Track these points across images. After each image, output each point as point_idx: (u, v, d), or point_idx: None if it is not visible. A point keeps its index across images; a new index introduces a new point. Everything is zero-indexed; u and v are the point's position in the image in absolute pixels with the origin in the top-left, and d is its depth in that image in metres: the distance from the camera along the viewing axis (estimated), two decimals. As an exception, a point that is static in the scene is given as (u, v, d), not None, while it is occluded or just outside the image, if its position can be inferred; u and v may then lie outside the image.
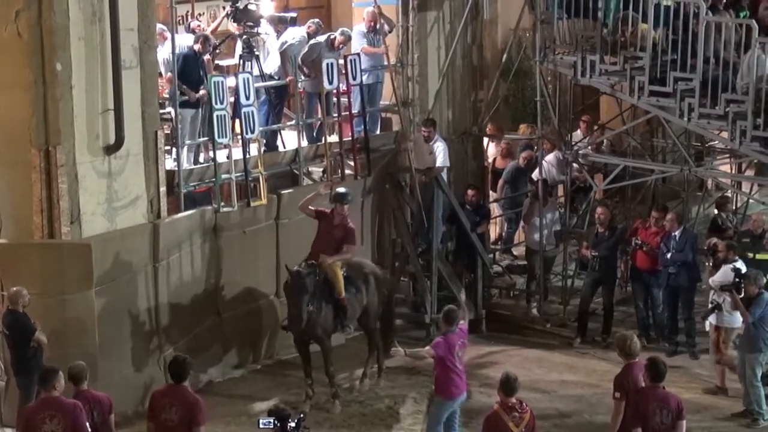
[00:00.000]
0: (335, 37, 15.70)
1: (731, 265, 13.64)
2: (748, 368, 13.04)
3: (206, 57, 14.51)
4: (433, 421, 11.73)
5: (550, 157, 17.15)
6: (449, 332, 11.50)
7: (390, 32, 16.53)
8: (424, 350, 11.81)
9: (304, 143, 15.45)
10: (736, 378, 13.48)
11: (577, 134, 17.80)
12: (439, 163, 15.87)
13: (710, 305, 13.99)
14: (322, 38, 15.69)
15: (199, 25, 15.42)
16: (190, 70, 14.17)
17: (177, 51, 13.88)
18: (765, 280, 13.45)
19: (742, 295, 13.10)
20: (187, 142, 14.14)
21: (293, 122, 15.52)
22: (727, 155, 18.07)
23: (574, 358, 15.22)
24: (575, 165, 16.75)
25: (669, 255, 15.05)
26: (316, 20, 15.89)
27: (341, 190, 13.80)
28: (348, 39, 15.95)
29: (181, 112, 13.94)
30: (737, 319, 13.62)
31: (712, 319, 14.02)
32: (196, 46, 14.31)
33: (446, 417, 11.72)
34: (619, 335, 10.89)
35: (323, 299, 13.27)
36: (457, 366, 11.49)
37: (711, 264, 14.22)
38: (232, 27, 15.20)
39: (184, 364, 10.15)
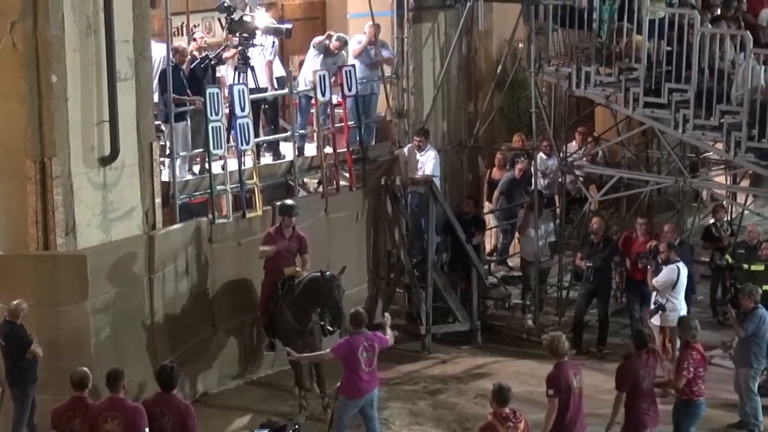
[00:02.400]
0: (330, 43, 15.85)
1: (674, 265, 13.99)
2: (742, 382, 13.03)
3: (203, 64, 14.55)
4: (337, 420, 11.90)
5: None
6: (355, 334, 11.68)
7: (387, 62, 16.56)
8: (325, 352, 12.05)
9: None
10: (731, 389, 13.47)
11: (573, 145, 17.80)
12: (427, 171, 15.85)
13: (653, 306, 14.11)
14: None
15: (202, 37, 15.37)
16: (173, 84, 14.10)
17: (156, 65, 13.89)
18: (761, 293, 13.47)
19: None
20: (182, 153, 14.14)
21: (288, 133, 15.52)
22: (722, 166, 18.10)
23: (570, 369, 15.18)
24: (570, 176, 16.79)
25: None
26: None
27: (288, 202, 14.08)
28: (344, 44, 16.03)
29: (174, 125, 13.92)
30: None
31: (655, 320, 14.21)
32: (173, 59, 14.25)
33: (364, 415, 11.91)
34: (548, 336, 11.21)
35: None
36: (362, 368, 11.61)
37: (653, 266, 14.32)
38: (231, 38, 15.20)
39: (172, 373, 10.23)
